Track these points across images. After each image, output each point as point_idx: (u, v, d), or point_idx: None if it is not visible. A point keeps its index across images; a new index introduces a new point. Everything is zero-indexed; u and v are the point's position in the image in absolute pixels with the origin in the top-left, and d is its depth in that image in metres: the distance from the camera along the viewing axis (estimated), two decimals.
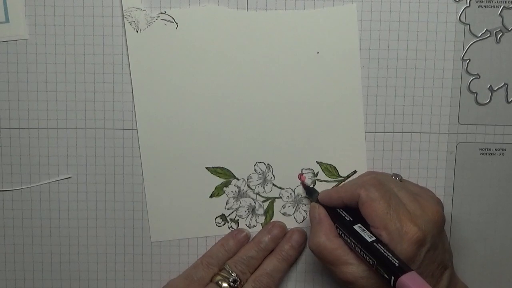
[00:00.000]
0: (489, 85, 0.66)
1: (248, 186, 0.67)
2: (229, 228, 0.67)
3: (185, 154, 0.66)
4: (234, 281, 0.64)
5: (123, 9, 0.64)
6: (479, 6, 0.64)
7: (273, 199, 0.67)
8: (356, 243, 0.59)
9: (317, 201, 0.64)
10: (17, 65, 0.65)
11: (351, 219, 0.61)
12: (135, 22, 0.64)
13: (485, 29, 0.65)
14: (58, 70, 0.65)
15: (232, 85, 0.65)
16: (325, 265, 0.62)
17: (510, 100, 0.66)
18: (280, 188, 0.67)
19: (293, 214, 0.67)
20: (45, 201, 0.67)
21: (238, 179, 0.67)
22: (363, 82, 0.65)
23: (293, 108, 0.65)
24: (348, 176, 0.67)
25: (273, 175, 0.67)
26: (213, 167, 0.66)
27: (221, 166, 0.66)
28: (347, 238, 0.60)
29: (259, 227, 0.67)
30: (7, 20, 0.64)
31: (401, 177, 0.65)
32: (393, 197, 0.60)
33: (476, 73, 0.66)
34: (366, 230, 0.59)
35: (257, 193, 0.67)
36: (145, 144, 0.66)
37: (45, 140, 0.66)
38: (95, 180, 0.66)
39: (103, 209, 0.67)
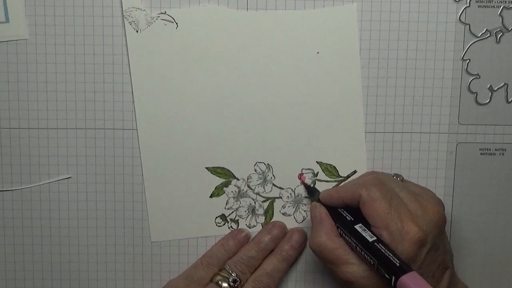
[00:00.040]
0: (489, 85, 0.66)
1: (248, 186, 0.67)
2: (229, 228, 0.67)
3: (185, 154, 0.66)
4: (234, 281, 0.64)
5: (123, 9, 0.64)
6: (479, 6, 0.65)
7: (273, 199, 0.67)
8: (357, 243, 0.59)
9: (318, 201, 0.64)
10: (17, 65, 0.65)
11: (352, 219, 0.61)
12: (135, 22, 0.64)
13: (485, 29, 0.65)
14: (58, 70, 0.65)
15: (232, 85, 0.65)
16: (326, 265, 0.62)
17: (510, 100, 0.66)
18: (280, 188, 0.67)
19: (293, 214, 0.67)
20: (45, 201, 0.67)
21: (238, 179, 0.67)
22: (363, 82, 0.65)
23: (293, 108, 0.65)
24: (348, 176, 0.67)
25: (273, 175, 0.67)
26: (213, 167, 0.66)
27: (221, 166, 0.66)
28: (348, 238, 0.60)
29: (259, 227, 0.67)
30: (7, 20, 0.64)
31: (403, 177, 0.65)
32: (394, 197, 0.60)
33: (476, 73, 0.66)
34: (367, 230, 0.59)
35: (257, 193, 0.67)
36: (145, 144, 0.66)
37: (45, 140, 0.66)
38: (95, 180, 0.66)
39: (103, 209, 0.67)
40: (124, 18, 0.64)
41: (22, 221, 0.67)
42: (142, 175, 0.66)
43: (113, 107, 0.65)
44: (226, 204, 0.67)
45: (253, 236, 0.67)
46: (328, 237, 0.61)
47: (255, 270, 0.65)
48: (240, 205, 0.67)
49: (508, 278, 0.69)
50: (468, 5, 0.64)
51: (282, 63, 0.65)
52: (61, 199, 0.67)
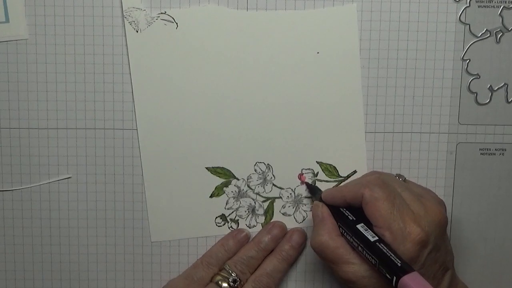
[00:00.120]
0: (489, 85, 0.66)
1: (248, 186, 0.67)
2: (229, 228, 0.67)
3: (185, 154, 0.66)
4: (234, 281, 0.64)
5: (123, 9, 0.64)
6: (479, 6, 0.65)
7: (273, 199, 0.67)
8: (359, 243, 0.59)
9: (320, 200, 0.64)
10: (17, 65, 0.65)
11: (354, 219, 0.61)
12: (135, 22, 0.64)
13: (485, 29, 0.65)
14: (58, 70, 0.65)
15: (232, 85, 0.65)
16: (327, 264, 0.62)
17: (510, 100, 0.66)
18: (280, 188, 0.67)
19: (293, 214, 0.67)
20: (45, 201, 0.67)
21: (238, 179, 0.67)
22: (363, 82, 0.65)
23: (293, 108, 0.65)
24: (348, 176, 0.67)
25: (273, 175, 0.67)
26: (213, 167, 0.66)
27: (221, 166, 0.66)
28: (349, 237, 0.60)
29: (259, 227, 0.67)
30: (7, 20, 0.64)
31: (405, 178, 0.65)
32: (397, 198, 0.60)
33: (476, 73, 0.66)
34: (369, 230, 0.59)
35: (257, 193, 0.67)
36: (145, 144, 0.66)
37: (45, 140, 0.66)
38: (95, 180, 0.66)
39: (103, 209, 0.67)
40: (124, 18, 0.64)
41: (22, 221, 0.67)
42: (142, 175, 0.66)
43: (113, 107, 0.65)
44: (226, 204, 0.67)
45: (253, 236, 0.67)
46: (330, 236, 0.61)
47: (255, 270, 0.65)
48: (240, 205, 0.67)
49: (508, 278, 0.69)
50: (468, 5, 0.64)
51: (282, 63, 0.65)
52: (61, 199, 0.67)
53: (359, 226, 0.60)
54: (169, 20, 0.64)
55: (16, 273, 0.68)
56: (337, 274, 0.61)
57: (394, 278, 0.55)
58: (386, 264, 0.56)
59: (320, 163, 0.66)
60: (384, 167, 0.66)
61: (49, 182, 0.66)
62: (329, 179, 0.67)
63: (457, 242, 0.68)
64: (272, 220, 0.67)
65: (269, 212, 0.67)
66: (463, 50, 0.65)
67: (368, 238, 0.59)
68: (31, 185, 0.66)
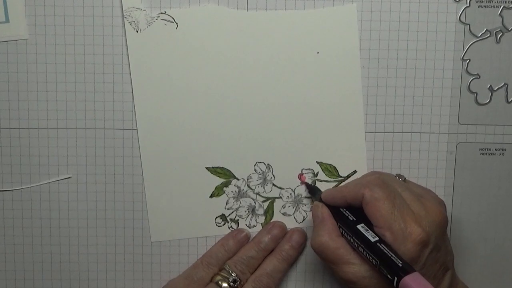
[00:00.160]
0: (489, 85, 0.66)
1: (248, 186, 0.67)
2: (229, 228, 0.67)
3: (185, 154, 0.66)
4: (234, 281, 0.64)
5: (123, 9, 0.64)
6: (479, 6, 0.65)
7: (273, 199, 0.67)
8: (359, 243, 0.59)
9: (320, 200, 0.64)
10: (17, 65, 0.65)
11: (354, 219, 0.61)
12: (135, 22, 0.64)
13: (485, 29, 0.65)
14: (58, 70, 0.65)
15: (232, 85, 0.65)
16: (327, 265, 0.62)
17: (510, 100, 0.66)
18: (280, 188, 0.67)
19: (293, 214, 0.67)
20: (45, 201, 0.67)
21: (238, 179, 0.67)
22: (363, 82, 0.65)
23: (293, 108, 0.65)
24: (348, 176, 0.67)
25: (273, 175, 0.67)
26: (213, 167, 0.66)
27: (221, 166, 0.66)
28: (350, 238, 0.60)
29: (259, 227, 0.67)
30: (7, 20, 0.64)
31: (405, 178, 0.65)
32: (397, 198, 0.60)
33: (476, 73, 0.66)
34: (370, 230, 0.59)
35: (257, 193, 0.67)
36: (145, 144, 0.66)
37: (45, 140, 0.66)
38: (95, 180, 0.66)
39: (103, 209, 0.67)
40: (124, 18, 0.64)
41: (22, 221, 0.67)
42: (142, 175, 0.66)
43: (113, 107, 0.65)
44: (226, 204, 0.67)
45: (253, 236, 0.67)
46: (330, 237, 0.61)
47: (255, 270, 0.65)
48: (240, 205, 0.67)
49: (508, 278, 0.69)
50: (468, 5, 0.64)
51: (282, 63, 0.65)
52: (61, 199, 0.67)
53: (359, 227, 0.60)
54: (169, 20, 0.64)
55: (16, 273, 0.68)
56: (337, 275, 0.61)
57: (395, 278, 0.55)
58: (387, 265, 0.56)
59: (320, 163, 0.66)
60: (384, 167, 0.66)
61: (49, 182, 0.66)
62: (329, 179, 0.67)
63: (457, 242, 0.68)
64: (272, 220, 0.67)
65: (269, 212, 0.67)
66: (463, 50, 0.65)
67: (368, 239, 0.58)
68: (31, 185, 0.66)
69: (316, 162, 0.66)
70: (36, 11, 0.64)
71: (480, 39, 0.65)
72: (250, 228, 0.67)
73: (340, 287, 0.67)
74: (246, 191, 0.67)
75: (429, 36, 0.65)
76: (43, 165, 0.66)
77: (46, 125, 0.66)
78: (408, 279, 0.55)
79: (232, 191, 0.67)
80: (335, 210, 0.63)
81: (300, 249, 0.67)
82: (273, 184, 0.67)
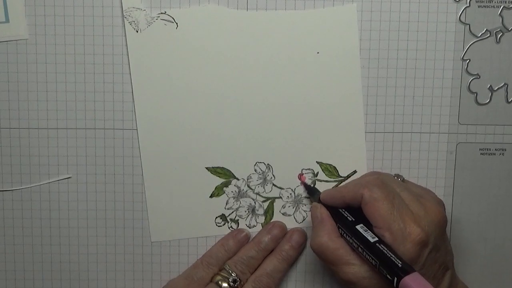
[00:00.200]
0: (489, 85, 0.66)
1: (248, 186, 0.67)
2: (229, 228, 0.67)
3: (185, 154, 0.66)
4: (234, 281, 0.64)
5: (123, 9, 0.64)
6: (479, 6, 0.65)
7: (273, 199, 0.67)
8: (359, 244, 0.59)
9: (319, 201, 0.64)
10: (17, 65, 0.65)
11: (353, 219, 0.61)
12: (135, 22, 0.64)
13: (485, 29, 0.65)
14: (58, 70, 0.65)
15: (232, 85, 0.65)
16: (327, 265, 0.62)
17: (510, 100, 0.66)
18: (280, 188, 0.67)
19: (293, 214, 0.67)
20: (45, 201, 0.67)
21: (238, 179, 0.67)
22: (363, 82, 0.65)
23: (293, 108, 0.65)
24: (348, 176, 0.67)
25: (273, 175, 0.67)
26: (213, 167, 0.66)
27: (221, 166, 0.66)
28: (349, 238, 0.60)
29: (259, 227, 0.67)
30: (7, 20, 0.64)
31: (403, 178, 0.65)
32: (396, 198, 0.60)
33: (476, 73, 0.66)
34: (369, 231, 0.59)
35: (257, 193, 0.67)
36: (145, 144, 0.66)
37: (45, 140, 0.66)
38: (95, 180, 0.66)
39: (103, 209, 0.67)
40: (124, 18, 0.64)
41: (22, 221, 0.67)
42: (142, 175, 0.66)
43: (113, 107, 0.65)
44: (226, 204, 0.67)
45: (253, 236, 0.67)
46: (329, 238, 0.61)
47: (255, 270, 0.65)
48: (240, 205, 0.67)
49: (508, 278, 0.69)
50: (468, 5, 0.64)
51: (282, 63, 0.65)
52: (61, 199, 0.67)
53: (358, 227, 0.60)
54: (169, 20, 0.64)
55: (16, 273, 0.68)
56: (337, 276, 0.61)
57: (395, 278, 0.55)
58: (386, 265, 0.56)
59: (320, 163, 0.66)
60: (384, 167, 0.66)
61: (49, 182, 0.66)
62: (329, 179, 0.67)
63: (457, 242, 0.68)
64: (272, 220, 0.67)
65: (269, 212, 0.67)
66: (463, 50, 0.65)
67: (368, 239, 0.58)
68: (31, 185, 0.66)
69: (316, 162, 0.66)
70: (36, 11, 0.64)
71: (480, 39, 0.65)
72: (250, 228, 0.67)
73: None
74: (246, 191, 0.67)
75: (429, 36, 0.65)
76: (43, 165, 0.66)
77: (46, 125, 0.66)
78: (407, 279, 0.55)
79: (232, 191, 0.67)
80: (334, 210, 0.63)
81: (300, 249, 0.67)
82: (273, 184, 0.67)
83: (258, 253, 0.65)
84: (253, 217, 0.67)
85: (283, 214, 0.67)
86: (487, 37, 0.65)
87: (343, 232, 0.61)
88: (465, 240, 0.68)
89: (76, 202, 0.67)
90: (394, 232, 0.58)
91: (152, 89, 0.65)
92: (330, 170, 0.67)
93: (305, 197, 0.67)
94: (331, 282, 0.68)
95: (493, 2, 0.64)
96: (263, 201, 0.67)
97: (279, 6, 0.64)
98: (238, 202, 0.67)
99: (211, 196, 0.67)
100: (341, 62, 0.65)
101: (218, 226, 0.67)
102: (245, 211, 0.67)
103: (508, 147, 0.67)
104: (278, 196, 0.67)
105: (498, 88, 0.66)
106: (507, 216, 0.68)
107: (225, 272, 0.65)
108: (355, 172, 0.67)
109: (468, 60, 0.65)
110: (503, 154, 0.67)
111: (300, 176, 0.67)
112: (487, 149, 0.67)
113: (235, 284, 0.64)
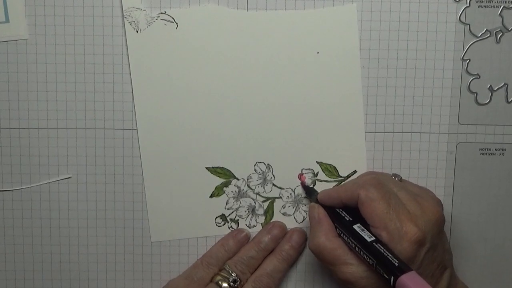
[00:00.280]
0: (489, 85, 0.66)
1: (248, 186, 0.67)
2: (229, 228, 0.67)
3: (185, 154, 0.66)
4: (234, 281, 0.64)
5: (123, 9, 0.64)
6: (479, 6, 0.65)
7: (273, 199, 0.67)
8: (356, 243, 0.59)
9: (317, 201, 0.64)
10: (17, 65, 0.65)
11: (351, 219, 0.61)
12: (135, 22, 0.64)
13: (485, 29, 0.65)
14: (58, 70, 0.65)
15: (232, 85, 0.65)
16: (325, 265, 0.62)
17: (510, 100, 0.66)
18: (280, 188, 0.67)
19: (293, 214, 0.67)
20: (45, 201, 0.67)
21: (238, 179, 0.67)
22: (363, 82, 0.65)
23: (293, 108, 0.65)
24: (348, 176, 0.67)
25: (273, 175, 0.67)
26: (213, 167, 0.66)
27: (221, 166, 0.66)
28: (346, 238, 0.60)
29: (259, 227, 0.67)
30: (7, 20, 0.64)
31: (401, 177, 0.65)
32: (393, 197, 0.60)
33: (476, 73, 0.66)
34: (366, 230, 0.59)
35: (257, 193, 0.67)
36: (145, 144, 0.66)
37: (45, 140, 0.66)
38: (95, 180, 0.66)
39: (103, 209, 0.67)
40: (124, 18, 0.64)
41: (22, 221, 0.67)
42: (142, 175, 0.66)
43: (113, 107, 0.65)
44: (226, 204, 0.67)
45: (253, 236, 0.67)
46: (327, 238, 0.61)
47: (255, 270, 0.65)
48: (240, 205, 0.67)
49: (508, 278, 0.69)
50: (468, 5, 0.64)
51: (282, 63, 0.65)
52: (61, 199, 0.67)
53: (355, 227, 0.60)
54: (169, 20, 0.64)
55: (16, 273, 0.68)
56: (335, 275, 0.61)
57: (392, 278, 0.55)
58: (383, 264, 0.56)
59: (320, 163, 0.66)
60: (384, 167, 0.66)
61: (49, 182, 0.66)
62: (329, 179, 0.67)
63: (457, 242, 0.68)
64: (272, 220, 0.67)
65: (269, 212, 0.67)
66: (463, 50, 0.65)
67: (365, 239, 0.59)
68: (31, 185, 0.66)
69: (316, 162, 0.66)
70: (36, 11, 0.64)
71: (480, 39, 0.65)
72: (250, 228, 0.67)
73: None
74: (246, 191, 0.67)
75: (429, 36, 0.65)
76: (43, 165, 0.66)
77: (46, 125, 0.66)
78: (404, 278, 0.55)
79: (232, 191, 0.67)
80: (331, 210, 0.63)
81: (300, 249, 0.67)
82: (273, 184, 0.67)
83: (258, 253, 0.65)
84: (253, 217, 0.67)
85: (283, 214, 0.67)
86: (487, 37, 0.65)
87: (340, 232, 0.61)
88: (465, 240, 0.68)
89: (76, 202, 0.67)
90: (391, 232, 0.58)
91: (152, 89, 0.65)
92: (330, 170, 0.67)
93: (305, 197, 0.67)
94: (331, 282, 0.68)
95: (493, 2, 0.64)
96: (263, 201, 0.67)
97: (279, 6, 0.64)
98: (238, 202, 0.67)
99: (211, 196, 0.67)
100: (341, 62, 0.65)
101: (218, 226, 0.67)
102: (245, 211, 0.67)
103: (508, 147, 0.67)
104: (278, 196, 0.67)
105: (498, 88, 0.66)
106: (507, 216, 0.68)
107: (225, 272, 0.65)
108: (355, 172, 0.67)
109: (468, 60, 0.65)
110: (503, 154, 0.67)
111: (300, 176, 0.67)
112: (487, 149, 0.67)
113: (235, 284, 0.64)
